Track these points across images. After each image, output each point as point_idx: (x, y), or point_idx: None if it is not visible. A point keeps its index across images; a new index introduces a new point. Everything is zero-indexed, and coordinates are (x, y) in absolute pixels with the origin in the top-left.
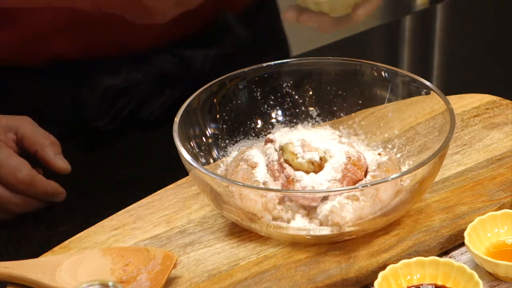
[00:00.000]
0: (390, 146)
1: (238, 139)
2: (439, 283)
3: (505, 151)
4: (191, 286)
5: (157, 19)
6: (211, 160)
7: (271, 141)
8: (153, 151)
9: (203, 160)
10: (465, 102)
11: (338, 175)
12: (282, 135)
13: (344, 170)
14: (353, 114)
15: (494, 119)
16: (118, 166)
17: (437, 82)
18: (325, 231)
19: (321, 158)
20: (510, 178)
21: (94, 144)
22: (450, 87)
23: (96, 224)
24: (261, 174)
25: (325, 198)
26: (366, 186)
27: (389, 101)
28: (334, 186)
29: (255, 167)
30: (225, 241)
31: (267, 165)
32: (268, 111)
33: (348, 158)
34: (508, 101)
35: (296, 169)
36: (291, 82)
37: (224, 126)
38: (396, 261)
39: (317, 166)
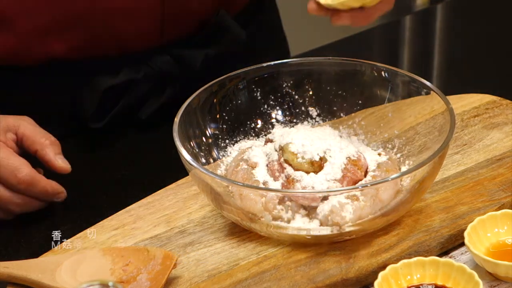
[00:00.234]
0: (390, 146)
1: (238, 139)
2: (439, 283)
3: (505, 151)
4: (191, 286)
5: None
6: (211, 160)
7: (271, 141)
8: (153, 151)
9: (203, 160)
10: (465, 102)
11: (338, 175)
12: (282, 135)
13: (344, 170)
14: (353, 114)
15: (494, 119)
16: (118, 166)
17: (437, 82)
18: (325, 231)
19: (321, 158)
20: (510, 178)
21: (94, 144)
22: (450, 87)
23: (96, 224)
24: (261, 174)
25: (325, 198)
26: (366, 186)
27: (389, 101)
28: (334, 186)
29: (255, 167)
30: (225, 241)
31: (267, 165)
32: (268, 111)
33: (348, 158)
34: (508, 101)
35: (296, 169)
36: (291, 82)
37: (224, 126)
38: (396, 261)
39: (317, 166)
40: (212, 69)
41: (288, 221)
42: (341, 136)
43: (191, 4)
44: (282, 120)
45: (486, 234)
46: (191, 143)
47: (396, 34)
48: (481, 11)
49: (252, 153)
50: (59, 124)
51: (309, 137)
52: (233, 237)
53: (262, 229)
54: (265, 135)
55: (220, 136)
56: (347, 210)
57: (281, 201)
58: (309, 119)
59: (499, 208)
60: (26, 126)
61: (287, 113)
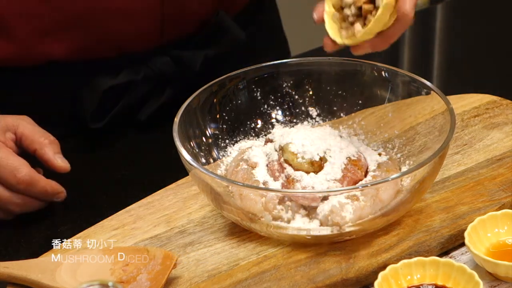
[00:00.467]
0: (390, 146)
1: (238, 139)
2: (439, 283)
3: (505, 151)
4: (191, 286)
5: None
6: (211, 160)
7: (271, 141)
8: (153, 151)
9: (203, 160)
10: (465, 102)
11: (338, 175)
12: (282, 135)
13: (344, 170)
14: (353, 114)
15: (494, 119)
16: (118, 166)
17: (437, 82)
18: (325, 231)
19: (321, 158)
20: (510, 178)
21: (94, 144)
22: (450, 87)
23: (96, 224)
24: (261, 174)
25: (325, 198)
26: (366, 186)
27: (389, 101)
28: (334, 186)
29: (255, 167)
30: (225, 241)
31: (267, 165)
32: (268, 111)
33: (348, 158)
34: (508, 101)
35: (296, 169)
36: (291, 82)
37: (224, 126)
38: (396, 261)
39: (317, 166)
40: (212, 70)
41: (288, 221)
42: (341, 136)
43: (191, 5)
44: (282, 120)
45: (486, 234)
46: (191, 143)
47: None
48: (481, 11)
49: (252, 153)
50: (59, 124)
51: (309, 137)
52: (233, 237)
53: (262, 229)
54: (265, 135)
55: (220, 136)
56: (347, 210)
57: (281, 201)
58: (309, 119)
59: (500, 208)
60: (25, 125)
61: (287, 113)
